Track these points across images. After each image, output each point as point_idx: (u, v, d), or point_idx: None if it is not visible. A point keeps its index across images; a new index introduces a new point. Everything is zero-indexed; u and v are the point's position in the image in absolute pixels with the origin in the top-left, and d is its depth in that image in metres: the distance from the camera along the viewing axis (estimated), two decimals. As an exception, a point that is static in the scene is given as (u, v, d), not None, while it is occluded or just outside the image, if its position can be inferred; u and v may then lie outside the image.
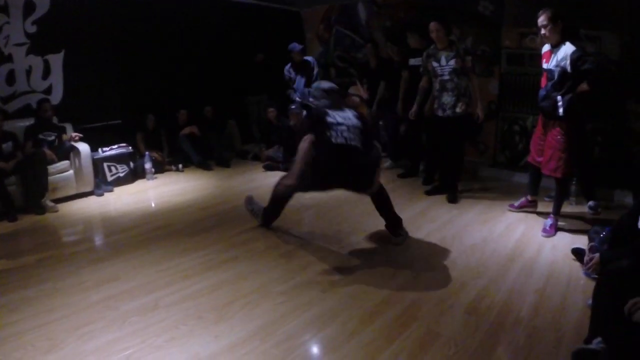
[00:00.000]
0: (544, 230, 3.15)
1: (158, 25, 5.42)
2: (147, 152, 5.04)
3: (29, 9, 4.37)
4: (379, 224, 3.17)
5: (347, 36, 6.30)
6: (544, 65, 3.08)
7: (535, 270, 2.63)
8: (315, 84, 3.21)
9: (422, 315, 2.17)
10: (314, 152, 2.75)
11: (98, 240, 3.48)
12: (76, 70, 4.74)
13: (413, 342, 1.96)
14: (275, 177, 3.62)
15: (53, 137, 4.28)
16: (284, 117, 5.51)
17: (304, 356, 1.92)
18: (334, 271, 2.67)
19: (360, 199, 3.23)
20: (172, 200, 4.25)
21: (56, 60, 4.65)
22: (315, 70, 5.52)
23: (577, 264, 2.64)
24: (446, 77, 3.73)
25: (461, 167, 4.06)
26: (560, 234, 3.15)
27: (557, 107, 2.97)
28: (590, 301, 1.89)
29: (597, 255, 2.14)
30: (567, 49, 2.88)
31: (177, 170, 5.41)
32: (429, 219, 3.53)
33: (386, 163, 5.23)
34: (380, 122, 5.40)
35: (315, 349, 1.98)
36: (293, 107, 5.26)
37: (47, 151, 4.05)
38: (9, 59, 4.31)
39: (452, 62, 3.68)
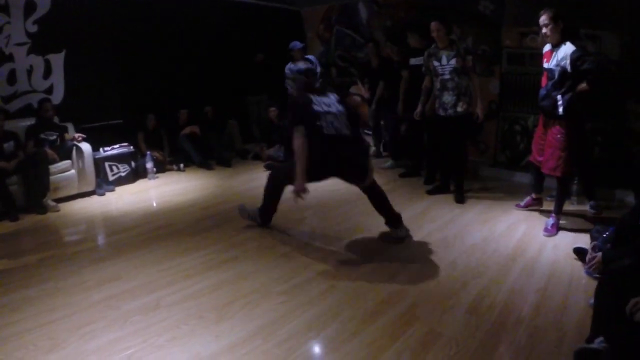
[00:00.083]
0: (546, 229, 3.15)
1: (158, 25, 5.42)
2: (148, 152, 5.05)
3: (29, 8, 4.38)
4: (379, 223, 3.17)
5: (348, 35, 6.30)
6: (545, 65, 3.09)
7: (536, 269, 2.63)
8: (287, 65, 3.16)
9: (423, 314, 2.17)
10: (307, 145, 2.72)
11: (100, 240, 3.48)
12: (77, 70, 4.75)
13: (415, 341, 1.95)
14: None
15: (54, 137, 4.29)
16: (284, 116, 5.53)
17: (306, 355, 1.91)
18: (334, 271, 2.67)
19: (360, 199, 3.22)
20: (173, 200, 4.26)
21: (57, 60, 4.65)
22: (317, 70, 5.52)
23: (579, 263, 2.64)
24: (447, 77, 3.73)
25: (465, 166, 4.06)
26: (561, 234, 3.14)
27: (557, 107, 2.99)
28: (592, 300, 1.89)
29: (599, 254, 2.14)
30: (568, 48, 2.90)
31: (179, 169, 5.41)
32: (430, 219, 3.53)
33: (387, 163, 5.24)
34: (381, 122, 5.41)
35: (316, 349, 1.98)
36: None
37: (49, 151, 4.06)
38: (10, 58, 4.32)
39: (452, 62, 3.68)
